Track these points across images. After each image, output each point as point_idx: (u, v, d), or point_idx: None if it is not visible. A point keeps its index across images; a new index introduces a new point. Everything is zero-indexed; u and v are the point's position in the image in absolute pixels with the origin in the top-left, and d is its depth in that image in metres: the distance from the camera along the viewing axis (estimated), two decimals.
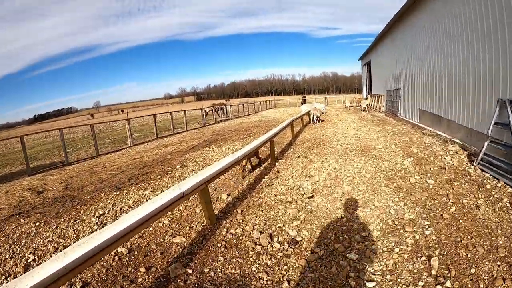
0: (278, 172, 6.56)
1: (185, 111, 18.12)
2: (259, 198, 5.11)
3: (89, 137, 22.47)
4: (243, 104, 30.97)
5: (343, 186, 5.26)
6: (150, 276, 3.16)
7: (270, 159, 7.57)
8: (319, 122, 16.25)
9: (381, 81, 20.79)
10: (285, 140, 10.77)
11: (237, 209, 4.73)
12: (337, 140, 9.68)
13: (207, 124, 19.96)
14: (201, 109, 20.69)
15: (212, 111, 25.60)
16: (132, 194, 6.01)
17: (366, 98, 26.09)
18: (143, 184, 6.63)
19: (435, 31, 9.69)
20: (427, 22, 10.40)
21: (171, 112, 17.14)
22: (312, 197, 4.91)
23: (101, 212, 5.23)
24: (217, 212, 4.68)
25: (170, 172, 7.48)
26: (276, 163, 7.29)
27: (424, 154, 6.90)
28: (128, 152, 11.80)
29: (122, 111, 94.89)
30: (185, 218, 4.62)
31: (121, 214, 5.13)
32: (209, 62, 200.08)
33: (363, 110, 21.86)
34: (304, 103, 35.76)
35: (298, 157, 7.75)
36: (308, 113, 17.23)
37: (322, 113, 16.62)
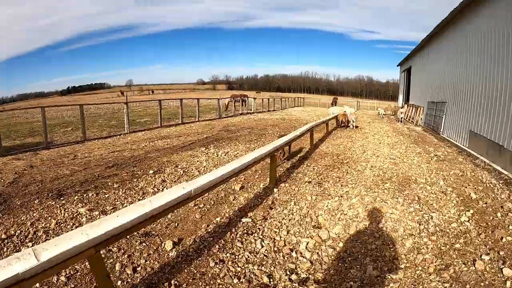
0: (271, 206, 4.50)
1: (198, 99, 16.36)
2: (210, 271, 3.07)
3: (105, 115, 21.69)
4: (268, 99, 28.85)
5: (365, 259, 3.11)
6: None
7: (268, 180, 5.52)
8: (353, 127, 13.91)
9: (422, 91, 18.24)
10: (301, 149, 8.65)
11: None
12: (366, 160, 7.40)
13: (223, 117, 18.12)
14: (217, 99, 18.82)
15: (233, 102, 23.75)
16: (65, 209, 4.38)
17: (402, 107, 23.20)
18: (89, 195, 4.91)
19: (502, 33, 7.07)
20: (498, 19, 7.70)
21: (181, 99, 15.45)
22: (307, 282, 2.80)
23: (12, 232, 3.60)
24: None
25: (135, 180, 5.69)
26: (275, 189, 5.23)
27: (486, 204, 4.54)
28: (117, 141, 10.21)
29: (152, 91, 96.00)
30: None
31: (33, 237, 3.51)
32: (245, 52, 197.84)
33: (398, 121, 19.08)
34: (335, 105, 32.97)
35: (309, 182, 5.62)
36: (336, 117, 14.87)
37: (349, 121, 14.20)
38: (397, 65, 30.05)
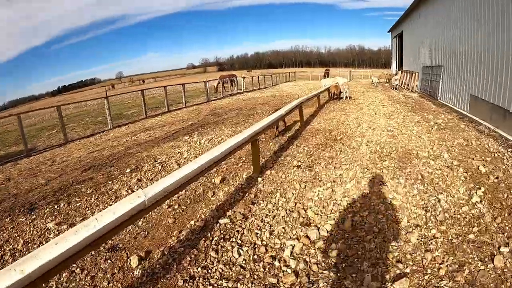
0: (254, 201, 3.93)
1: (183, 84, 15.46)
2: None
3: (94, 111, 20.79)
4: (258, 77, 27.80)
5: (363, 264, 2.56)
6: None
7: (252, 168, 4.92)
8: (347, 99, 13.23)
9: (416, 56, 17.35)
10: (291, 127, 8.02)
11: None
12: (362, 135, 6.78)
13: (211, 100, 17.29)
14: (204, 82, 17.90)
15: (221, 83, 22.79)
16: (35, 226, 3.90)
17: (396, 74, 22.37)
18: (61, 206, 4.42)
19: None
20: None
21: (165, 87, 14.57)
22: None
23: None
24: None
25: (110, 183, 5.13)
26: (260, 178, 4.65)
27: (498, 178, 3.96)
28: (99, 139, 9.57)
29: (143, 81, 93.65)
30: None
31: None
32: (233, 32, 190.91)
33: (393, 89, 18.34)
34: (327, 76, 31.98)
35: (298, 166, 5.03)
36: (328, 90, 14.14)
37: (341, 92, 13.45)
38: (388, 31, 28.87)
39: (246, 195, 4.11)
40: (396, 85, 18.22)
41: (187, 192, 4.36)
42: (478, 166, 4.39)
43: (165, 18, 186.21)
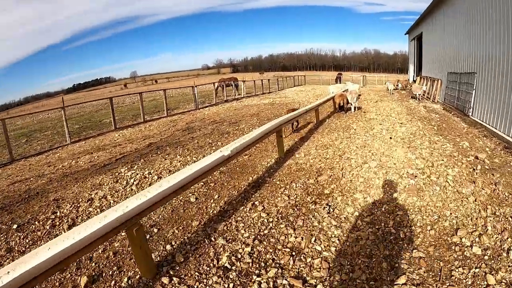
0: None
1: (164, 90, 13.22)
2: None
3: (84, 115, 18.99)
4: (262, 81, 25.43)
5: None
6: None
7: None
8: (355, 110, 10.82)
9: (438, 60, 14.73)
10: (262, 162, 5.61)
11: None
12: (367, 186, 4.29)
13: (200, 107, 14.99)
14: (192, 87, 15.58)
15: (222, 87, 20.55)
16: None
17: (414, 81, 19.60)
18: None
19: None
20: None
21: (140, 93, 12.42)
22: None
23: None
24: None
25: None
26: None
27: None
28: (42, 160, 7.78)
29: (156, 81, 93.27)
30: None
31: None
32: (248, 34, 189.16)
33: (412, 97, 15.60)
34: (339, 81, 29.18)
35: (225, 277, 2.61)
36: (333, 99, 11.58)
37: (349, 103, 10.87)
38: (405, 33, 26.17)
39: None
40: (419, 94, 15.40)
41: None
42: None
43: (182, 18, 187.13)
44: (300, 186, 4.42)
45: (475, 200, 3.68)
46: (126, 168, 5.91)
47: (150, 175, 5.31)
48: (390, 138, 6.74)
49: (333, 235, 3.17)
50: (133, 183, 5.01)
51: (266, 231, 3.30)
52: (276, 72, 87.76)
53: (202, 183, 4.68)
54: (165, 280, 2.54)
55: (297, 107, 9.64)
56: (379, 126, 8.05)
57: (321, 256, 2.81)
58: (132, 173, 5.50)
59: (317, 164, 5.34)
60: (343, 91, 14.24)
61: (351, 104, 10.84)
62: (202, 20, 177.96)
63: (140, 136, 9.31)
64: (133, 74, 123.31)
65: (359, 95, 13.03)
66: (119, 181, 5.22)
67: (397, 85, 21.69)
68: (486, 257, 2.65)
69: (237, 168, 5.33)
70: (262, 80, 25.64)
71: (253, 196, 4.21)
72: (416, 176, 4.46)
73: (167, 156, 6.49)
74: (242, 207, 3.88)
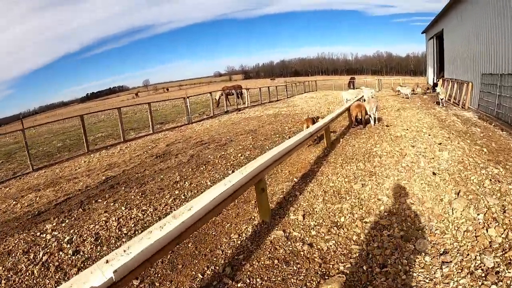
0: None
1: (149, 103, 11.53)
2: None
3: (87, 125, 17.71)
4: (268, 87, 23.56)
5: None
6: None
7: None
8: (376, 123, 8.88)
9: (468, 59, 12.84)
10: (237, 225, 3.69)
11: None
12: None
13: (192, 122, 13.23)
14: (183, 97, 13.83)
15: (226, 96, 18.84)
16: None
17: (436, 84, 17.37)
18: None
19: None
20: None
21: (119, 108, 10.74)
22: None
23: None
24: None
25: None
26: None
27: None
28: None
29: (167, 89, 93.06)
30: None
31: None
32: (260, 40, 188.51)
33: (437, 103, 13.59)
34: (352, 86, 26.91)
35: None
36: (348, 110, 9.53)
37: (368, 114, 8.83)
38: (422, 32, 24.17)
39: None
40: (442, 99, 13.19)
41: None
42: None
43: (195, 26, 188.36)
44: None
45: None
46: (55, 223, 4.22)
47: (68, 246, 3.52)
48: (434, 174, 4.66)
49: None
50: (39, 261, 3.22)
51: None
52: (287, 77, 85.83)
53: None
54: None
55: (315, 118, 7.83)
56: (412, 150, 5.96)
57: None
58: (50, 239, 3.75)
59: (325, 238, 3.34)
60: (359, 99, 12.21)
61: (370, 116, 8.81)
62: (215, 28, 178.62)
63: (105, 165, 7.59)
64: (145, 82, 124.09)
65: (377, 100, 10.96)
66: (29, 251, 3.47)
67: (416, 90, 19.57)
68: None
69: (190, 246, 3.36)
70: (269, 87, 23.74)
71: None
72: (498, 272, 2.42)
73: (111, 204, 4.69)
74: None
